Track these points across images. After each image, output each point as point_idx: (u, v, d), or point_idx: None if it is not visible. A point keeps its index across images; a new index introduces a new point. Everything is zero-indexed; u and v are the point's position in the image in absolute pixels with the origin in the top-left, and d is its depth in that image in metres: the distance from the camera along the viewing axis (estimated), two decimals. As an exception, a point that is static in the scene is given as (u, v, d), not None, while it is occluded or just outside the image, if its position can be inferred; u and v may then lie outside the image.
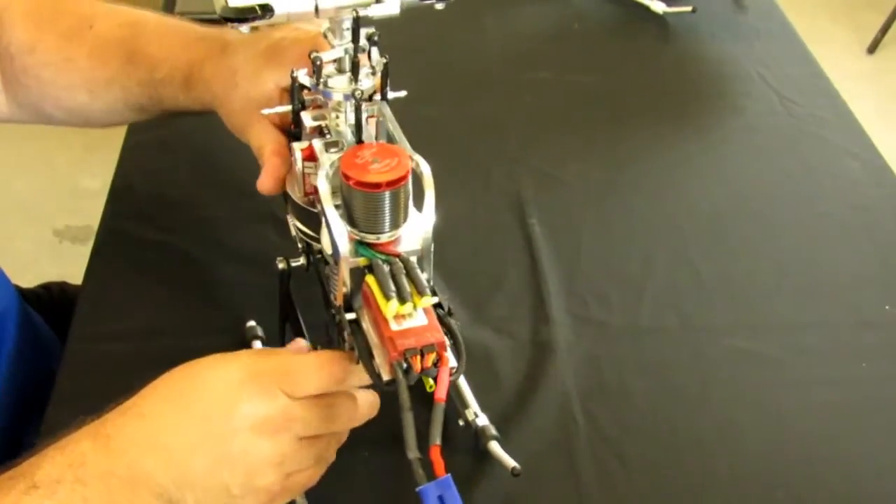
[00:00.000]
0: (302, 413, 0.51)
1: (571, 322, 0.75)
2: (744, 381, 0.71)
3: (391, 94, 0.57)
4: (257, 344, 0.70)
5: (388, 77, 0.57)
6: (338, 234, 0.52)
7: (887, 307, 0.78)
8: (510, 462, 0.61)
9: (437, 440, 0.49)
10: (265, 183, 0.60)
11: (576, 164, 0.91)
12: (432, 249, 0.54)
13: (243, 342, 0.70)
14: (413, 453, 0.49)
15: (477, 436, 0.64)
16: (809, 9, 2.64)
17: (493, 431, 0.64)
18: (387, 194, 0.51)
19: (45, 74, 0.70)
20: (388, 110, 0.58)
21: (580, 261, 0.81)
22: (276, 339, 0.67)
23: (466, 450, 0.64)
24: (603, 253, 0.82)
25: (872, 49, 2.60)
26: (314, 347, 0.60)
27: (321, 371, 0.52)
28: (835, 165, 0.93)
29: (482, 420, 0.65)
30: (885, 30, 2.57)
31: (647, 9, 1.13)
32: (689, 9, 1.13)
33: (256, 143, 0.62)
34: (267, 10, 0.50)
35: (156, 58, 0.67)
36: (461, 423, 0.65)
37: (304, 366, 0.51)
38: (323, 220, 0.53)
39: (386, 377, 0.51)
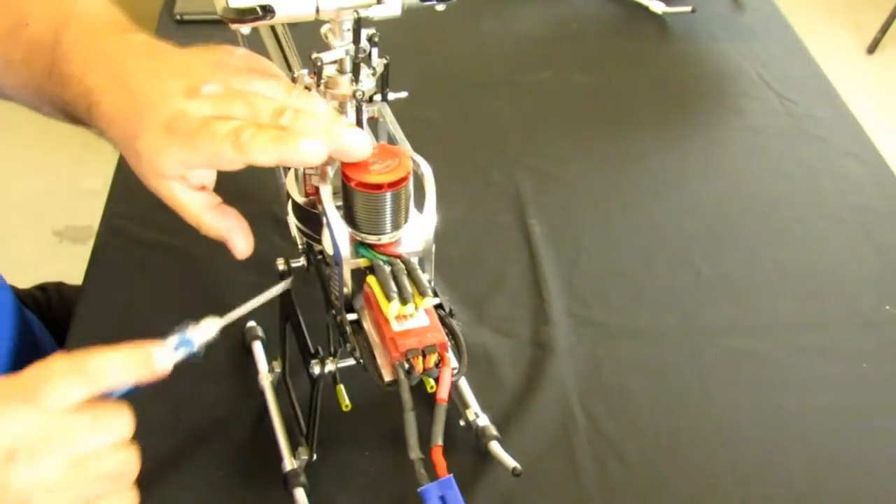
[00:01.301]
0: (60, 426, 0.45)
1: (571, 322, 0.75)
2: (744, 381, 0.71)
3: (392, 95, 0.57)
4: (257, 344, 0.70)
5: (388, 78, 0.57)
6: (339, 235, 0.52)
7: (887, 307, 0.78)
8: (511, 462, 0.61)
9: (438, 440, 0.49)
10: (239, 249, 0.57)
11: (576, 164, 0.92)
12: (433, 250, 0.54)
13: (243, 343, 0.70)
14: (415, 453, 0.49)
15: (477, 436, 0.64)
16: (809, 8, 2.64)
17: (494, 432, 0.64)
18: (388, 195, 0.51)
19: None
20: (388, 111, 0.58)
21: (580, 261, 0.81)
22: (277, 340, 0.67)
23: (467, 449, 0.64)
24: (603, 253, 0.82)
25: (872, 49, 2.60)
26: (312, 353, 0.60)
27: (71, 372, 0.46)
28: (835, 165, 0.93)
29: (483, 420, 0.65)
30: (884, 29, 2.57)
31: (646, 9, 1.13)
32: (688, 9, 1.13)
33: (178, 209, 0.57)
34: (268, 10, 0.50)
35: (66, 76, 0.59)
36: (462, 423, 0.65)
37: (52, 371, 0.45)
38: (324, 220, 0.53)
39: (388, 378, 0.51)
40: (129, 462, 0.47)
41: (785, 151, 0.95)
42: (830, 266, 0.82)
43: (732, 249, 0.83)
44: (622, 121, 0.98)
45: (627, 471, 0.65)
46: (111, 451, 0.46)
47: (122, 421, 0.47)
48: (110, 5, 0.63)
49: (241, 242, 0.58)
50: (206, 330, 0.51)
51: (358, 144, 0.51)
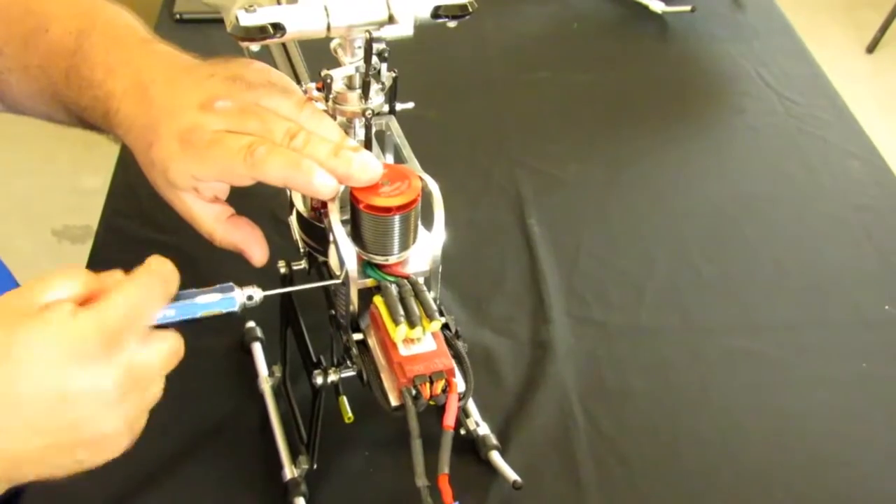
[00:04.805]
0: (140, 365, 0.47)
1: (571, 322, 0.75)
2: (744, 381, 0.71)
3: (399, 106, 0.57)
4: (257, 345, 0.69)
5: (396, 91, 0.56)
6: (347, 255, 0.51)
7: (887, 307, 0.78)
8: (511, 475, 0.61)
9: (445, 469, 0.49)
10: (256, 259, 0.58)
11: (576, 164, 0.91)
12: (440, 270, 0.54)
13: (243, 343, 0.70)
14: (422, 481, 0.49)
15: (478, 446, 0.64)
16: (809, 8, 2.64)
17: (494, 441, 0.64)
18: (396, 218, 0.51)
19: (11, 79, 0.66)
20: (395, 125, 0.57)
21: (580, 260, 0.81)
22: (277, 342, 0.67)
23: (466, 448, 0.64)
24: (603, 253, 0.82)
25: (872, 48, 2.60)
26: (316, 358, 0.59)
27: (153, 300, 0.48)
28: (835, 165, 0.93)
29: (483, 429, 0.65)
30: (884, 29, 2.57)
31: (646, 8, 1.13)
32: (688, 8, 1.13)
33: (191, 221, 0.58)
34: (279, 28, 0.49)
35: (86, 80, 0.60)
36: (462, 432, 0.65)
37: (124, 310, 0.46)
38: (331, 237, 0.53)
39: (394, 402, 0.50)
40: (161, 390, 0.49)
41: (785, 151, 0.95)
42: (830, 265, 0.82)
43: (732, 249, 0.83)
44: (622, 120, 0.98)
45: (627, 471, 0.65)
46: (161, 378, 0.49)
47: (178, 354, 0.49)
48: (133, 16, 0.64)
49: (257, 252, 0.58)
50: (247, 293, 0.51)
51: (367, 171, 0.51)
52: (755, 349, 0.74)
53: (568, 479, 0.64)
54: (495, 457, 0.63)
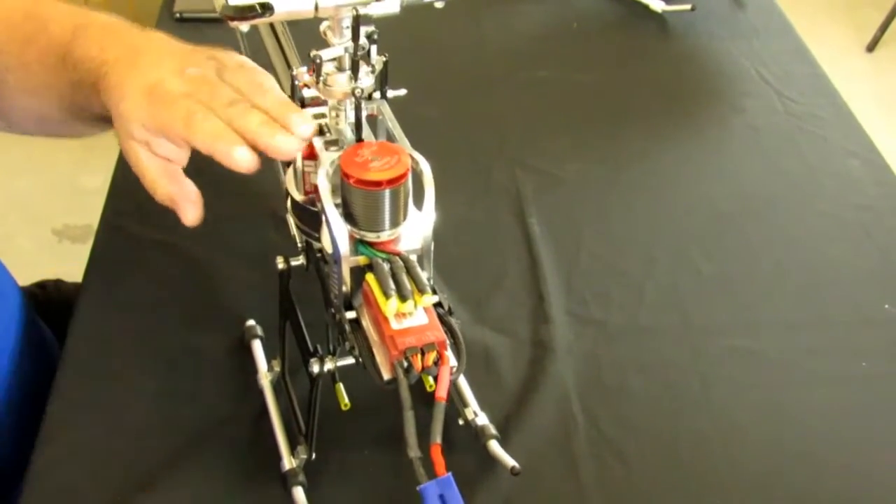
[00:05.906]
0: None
1: (571, 321, 0.75)
2: (744, 381, 0.71)
3: (391, 93, 0.57)
4: (257, 343, 0.70)
5: (387, 75, 0.56)
6: (338, 232, 0.52)
7: (887, 306, 0.78)
8: (509, 461, 0.61)
9: (437, 439, 0.49)
10: (189, 217, 0.62)
11: (575, 164, 0.91)
12: (432, 248, 0.54)
13: (243, 341, 0.70)
14: (414, 452, 0.49)
15: (476, 435, 0.64)
16: (809, 7, 2.64)
17: (493, 430, 0.64)
18: (386, 192, 0.51)
19: (9, 77, 0.69)
20: (387, 108, 0.58)
21: (580, 260, 0.81)
22: (276, 338, 0.67)
23: (467, 449, 0.64)
24: (603, 252, 0.82)
25: (872, 47, 2.60)
26: (313, 350, 0.60)
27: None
28: (835, 165, 0.93)
29: (482, 419, 0.65)
30: (884, 28, 2.57)
31: (646, 7, 1.13)
32: (688, 7, 1.13)
33: (138, 171, 0.62)
34: (267, 8, 0.50)
35: (79, 58, 0.64)
36: (461, 422, 0.65)
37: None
38: (323, 218, 0.53)
39: (387, 376, 0.51)
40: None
41: (784, 150, 0.95)
42: (830, 265, 0.82)
43: (732, 248, 0.83)
44: (622, 119, 0.98)
45: (627, 471, 0.65)
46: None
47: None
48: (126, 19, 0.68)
49: (189, 210, 0.61)
50: None
51: (283, 146, 0.54)
52: (755, 348, 0.74)
53: (568, 479, 0.64)
54: (494, 445, 0.63)
